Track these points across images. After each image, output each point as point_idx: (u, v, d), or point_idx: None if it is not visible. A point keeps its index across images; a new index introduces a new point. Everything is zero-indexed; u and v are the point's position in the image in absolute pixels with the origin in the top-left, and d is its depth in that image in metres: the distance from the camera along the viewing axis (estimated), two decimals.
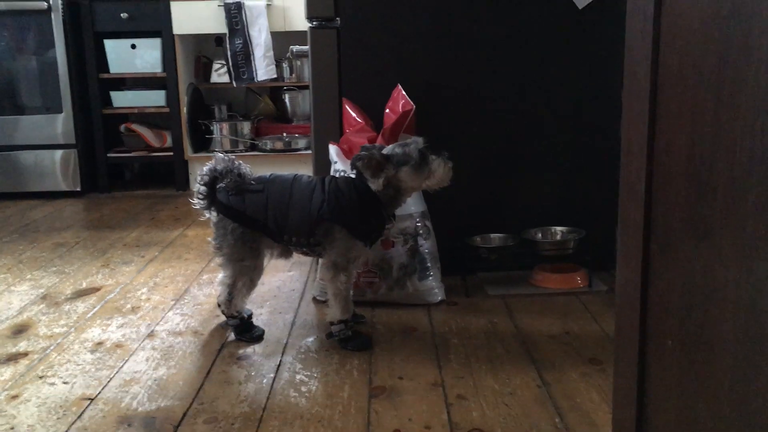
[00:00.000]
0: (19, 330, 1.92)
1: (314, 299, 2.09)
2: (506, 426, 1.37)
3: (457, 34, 2.14)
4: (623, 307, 0.93)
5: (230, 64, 3.63)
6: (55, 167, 3.72)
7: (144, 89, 3.85)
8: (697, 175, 0.75)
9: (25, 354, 1.76)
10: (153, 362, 1.70)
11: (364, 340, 1.76)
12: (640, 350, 0.89)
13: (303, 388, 1.55)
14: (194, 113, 3.84)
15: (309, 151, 3.47)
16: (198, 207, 1.78)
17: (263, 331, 1.84)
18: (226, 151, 3.06)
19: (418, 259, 2.00)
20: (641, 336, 0.89)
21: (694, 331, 0.78)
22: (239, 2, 3.55)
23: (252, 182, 1.75)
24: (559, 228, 2.19)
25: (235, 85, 3.68)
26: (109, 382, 1.60)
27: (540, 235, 2.19)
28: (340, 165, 1.98)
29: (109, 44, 3.75)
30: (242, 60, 3.62)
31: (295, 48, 3.63)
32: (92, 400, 1.51)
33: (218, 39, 3.88)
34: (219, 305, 1.84)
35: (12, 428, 1.41)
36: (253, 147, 3.82)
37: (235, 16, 3.56)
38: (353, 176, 1.73)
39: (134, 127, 3.90)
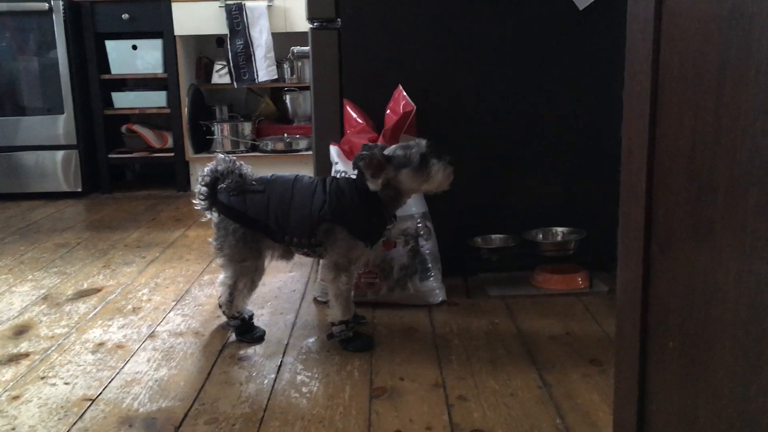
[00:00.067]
0: (21, 331, 1.92)
1: (315, 300, 2.09)
2: (507, 427, 1.36)
3: (458, 35, 2.15)
4: (624, 308, 0.93)
5: (231, 64, 3.63)
6: (56, 168, 3.72)
7: (145, 90, 3.86)
8: (697, 176, 0.75)
9: (27, 355, 1.76)
10: (154, 363, 1.70)
11: (365, 341, 1.76)
12: (641, 351, 0.89)
13: (304, 389, 1.55)
14: (195, 114, 3.84)
15: (310, 152, 3.47)
16: (199, 207, 1.79)
17: (264, 332, 1.84)
18: (227, 152, 3.06)
19: (419, 259, 2.00)
20: (642, 336, 0.89)
21: (694, 331, 0.78)
22: (240, 3, 3.56)
23: (253, 183, 1.75)
24: (559, 229, 2.19)
25: (236, 85, 3.69)
26: (110, 382, 1.60)
27: (541, 235, 2.18)
28: (341, 166, 1.98)
29: (111, 45, 3.75)
30: (243, 61, 3.62)
31: (296, 49, 3.63)
32: (93, 400, 1.52)
33: (219, 40, 3.88)
34: (220, 306, 1.85)
35: (13, 429, 1.41)
36: (254, 148, 3.82)
37: (236, 17, 3.56)
38: (354, 177, 1.73)
39: (135, 127, 3.91)
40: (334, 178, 1.79)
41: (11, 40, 3.67)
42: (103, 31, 3.73)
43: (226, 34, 3.59)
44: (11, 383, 1.61)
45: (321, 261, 1.83)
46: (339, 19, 2.12)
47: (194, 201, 1.79)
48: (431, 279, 2.01)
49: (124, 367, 1.68)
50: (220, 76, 3.82)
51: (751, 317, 0.67)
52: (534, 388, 1.51)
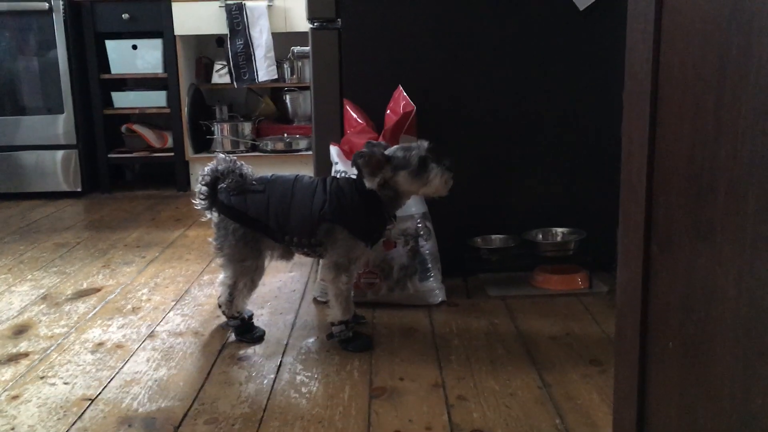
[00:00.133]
0: (20, 330, 1.92)
1: (315, 300, 2.09)
2: (507, 427, 1.36)
3: (458, 35, 2.15)
4: (624, 308, 0.93)
5: (231, 64, 3.63)
6: (56, 167, 3.72)
7: (145, 90, 3.86)
8: (697, 176, 0.75)
9: (26, 354, 1.76)
10: (153, 363, 1.70)
11: (365, 341, 1.76)
12: (641, 351, 0.89)
13: (303, 389, 1.55)
14: (195, 114, 3.84)
15: (310, 152, 3.47)
16: (199, 207, 1.79)
17: (264, 332, 1.84)
18: (227, 152, 3.06)
19: (418, 260, 2.00)
20: (642, 337, 0.89)
21: (694, 332, 0.77)
22: (240, 3, 3.56)
23: (253, 183, 1.75)
24: (559, 229, 2.19)
25: (236, 85, 3.69)
26: (109, 382, 1.60)
27: (541, 236, 2.18)
28: (341, 166, 1.98)
29: (111, 45, 3.75)
30: (243, 61, 3.62)
31: (296, 49, 3.63)
32: (93, 400, 1.51)
33: (219, 40, 3.88)
34: (220, 306, 1.84)
35: (12, 429, 1.41)
36: (254, 148, 3.82)
37: (236, 16, 3.56)
38: (354, 177, 1.73)
39: (135, 127, 3.90)
40: (335, 178, 1.79)
41: (11, 39, 3.67)
42: (103, 31, 3.72)
43: (226, 34, 3.59)
44: (11, 383, 1.60)
45: (321, 261, 1.83)
46: (339, 19, 2.12)
47: (194, 201, 1.79)
48: (431, 279, 2.01)
49: (123, 366, 1.68)
50: (220, 75, 3.82)
51: (751, 317, 0.67)
52: (534, 389, 1.51)
